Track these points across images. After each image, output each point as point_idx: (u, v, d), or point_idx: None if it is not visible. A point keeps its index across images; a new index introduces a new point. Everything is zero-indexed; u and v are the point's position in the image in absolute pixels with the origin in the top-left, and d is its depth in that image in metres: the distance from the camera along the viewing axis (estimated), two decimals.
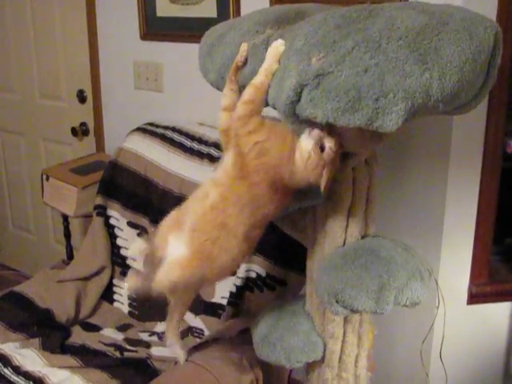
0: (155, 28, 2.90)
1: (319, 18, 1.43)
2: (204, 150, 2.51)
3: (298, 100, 1.34)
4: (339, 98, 1.28)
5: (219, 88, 1.67)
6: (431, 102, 1.32)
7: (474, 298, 2.37)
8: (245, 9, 2.55)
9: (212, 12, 2.65)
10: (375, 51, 1.30)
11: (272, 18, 1.57)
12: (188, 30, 2.75)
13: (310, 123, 1.41)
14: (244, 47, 1.56)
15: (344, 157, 1.60)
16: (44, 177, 2.95)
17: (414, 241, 2.09)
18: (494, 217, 2.30)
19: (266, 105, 1.50)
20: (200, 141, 2.56)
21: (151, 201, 2.62)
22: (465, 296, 2.36)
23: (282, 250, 2.22)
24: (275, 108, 1.43)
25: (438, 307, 2.04)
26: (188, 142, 2.58)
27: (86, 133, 3.41)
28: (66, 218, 3.06)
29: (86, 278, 2.66)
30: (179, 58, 2.85)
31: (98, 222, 2.71)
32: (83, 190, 2.79)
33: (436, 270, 2.26)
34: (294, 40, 1.39)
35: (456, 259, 2.30)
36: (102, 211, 2.72)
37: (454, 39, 1.35)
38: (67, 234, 3.13)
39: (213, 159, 2.45)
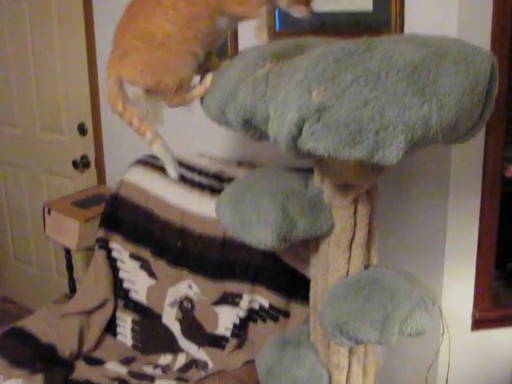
0: None
1: (318, 51, 1.44)
2: (204, 182, 2.52)
3: (300, 134, 1.35)
4: (340, 131, 1.29)
5: (220, 123, 1.69)
6: (431, 134, 1.33)
7: (478, 324, 2.37)
8: (242, 44, 2.57)
9: None
10: (374, 84, 1.32)
11: (271, 52, 1.59)
12: None
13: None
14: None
15: (345, 188, 1.62)
16: (46, 210, 2.96)
17: (417, 268, 2.10)
18: (495, 242, 2.31)
19: None
20: (200, 172, 2.57)
21: (153, 233, 2.62)
22: (469, 322, 2.36)
23: (284, 281, 2.22)
24: (276, 142, 1.44)
25: (442, 334, 2.04)
26: (188, 174, 2.59)
27: (87, 165, 3.42)
28: (68, 251, 3.06)
29: (89, 312, 2.65)
30: None
31: (100, 255, 2.71)
32: (85, 224, 2.79)
33: (439, 296, 2.27)
34: (294, 74, 1.41)
35: (459, 285, 2.30)
36: (103, 244, 2.72)
37: (452, 71, 1.37)
38: (69, 267, 3.13)
39: (214, 191, 2.46)
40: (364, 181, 1.59)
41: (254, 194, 1.71)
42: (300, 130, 1.34)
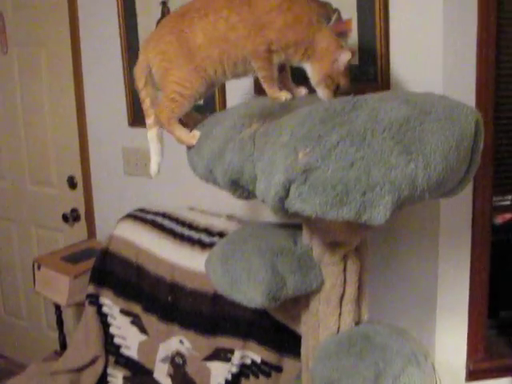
0: (143, 115, 2.92)
1: (304, 111, 1.46)
2: (195, 236, 2.50)
3: (287, 195, 1.35)
4: (327, 192, 1.29)
5: (208, 181, 1.70)
6: (418, 193, 1.34)
7: (473, 374, 2.35)
8: (230, 99, 2.60)
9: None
10: (360, 144, 1.32)
11: (257, 112, 1.60)
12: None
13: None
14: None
15: (334, 246, 1.61)
16: (35, 266, 2.94)
17: (408, 322, 2.09)
18: (487, 292, 2.30)
19: None
20: (190, 226, 2.56)
21: (143, 288, 2.60)
22: (463, 374, 2.33)
23: (276, 336, 2.20)
24: (264, 202, 1.44)
25: None
26: (178, 228, 2.59)
27: (77, 219, 3.41)
28: (58, 306, 3.04)
29: (80, 369, 2.61)
30: (167, 144, 2.86)
31: (90, 311, 2.68)
32: (75, 279, 2.77)
33: (432, 348, 2.25)
34: (281, 134, 1.42)
35: (452, 337, 2.28)
36: (94, 300, 2.70)
37: (437, 128, 1.38)
38: (60, 323, 3.10)
39: (204, 245, 2.44)
40: (353, 238, 1.59)
41: (244, 252, 1.70)
42: (287, 191, 1.34)
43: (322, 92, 1.67)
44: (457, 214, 2.20)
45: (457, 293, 2.25)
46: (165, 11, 2.74)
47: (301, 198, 1.33)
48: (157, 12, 2.76)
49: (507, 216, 2.53)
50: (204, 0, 1.75)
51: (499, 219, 2.51)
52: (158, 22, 2.76)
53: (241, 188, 1.58)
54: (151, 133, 1.85)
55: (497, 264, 2.34)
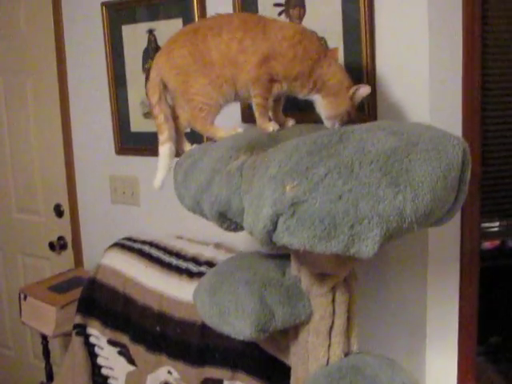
0: (130, 143, 2.94)
1: (291, 144, 1.45)
2: (182, 266, 2.49)
3: (275, 229, 1.34)
4: (315, 226, 1.28)
5: (195, 212, 1.68)
6: (406, 225, 1.33)
7: None
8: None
9: None
10: (348, 177, 1.32)
11: (245, 143, 1.59)
12: None
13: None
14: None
15: (323, 277, 1.60)
16: (22, 296, 2.91)
17: (398, 351, 2.08)
18: (476, 320, 2.29)
19: None
20: (178, 255, 2.55)
21: (131, 318, 2.57)
22: None
23: (265, 366, 2.17)
24: (252, 235, 1.43)
25: None
26: (166, 258, 2.57)
27: (63, 247, 3.39)
28: (44, 336, 3.00)
29: None
30: (154, 172, 2.83)
31: (77, 341, 2.65)
32: (62, 309, 2.74)
33: (422, 377, 2.24)
34: (268, 167, 1.41)
35: (441, 364, 2.27)
36: (81, 330, 2.67)
37: (425, 159, 1.38)
38: (46, 353, 3.07)
39: (191, 274, 2.43)
40: (341, 270, 1.59)
41: (231, 284, 1.69)
42: (275, 224, 1.33)
43: (333, 125, 1.72)
44: (445, 241, 2.20)
45: (446, 320, 2.24)
46: (151, 39, 2.75)
47: (289, 231, 1.32)
48: (143, 40, 2.77)
49: (495, 242, 2.53)
50: (217, 19, 1.79)
51: (487, 245, 2.51)
52: (145, 50, 2.77)
53: (228, 220, 1.57)
54: (164, 148, 1.84)
55: (486, 290, 2.33)
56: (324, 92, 1.72)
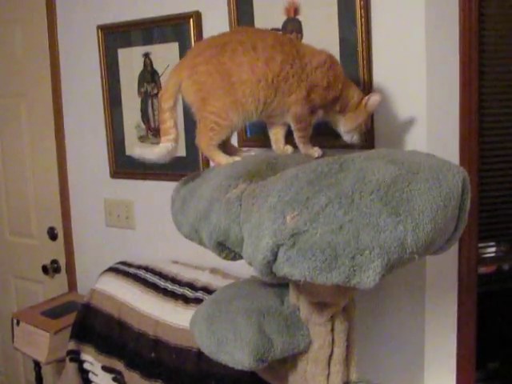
0: (125, 166, 2.92)
1: (291, 173, 1.44)
2: (178, 291, 2.47)
3: (275, 259, 1.32)
4: (316, 257, 1.27)
5: (193, 240, 1.67)
6: (407, 255, 1.32)
7: None
8: None
9: (181, 151, 2.68)
10: (348, 207, 1.31)
11: (244, 172, 1.58)
12: (157, 168, 2.76)
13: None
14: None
15: (322, 306, 1.59)
16: (14, 321, 2.88)
17: (396, 379, 2.07)
18: (474, 347, 2.28)
19: None
20: (174, 281, 2.53)
21: (126, 344, 2.54)
22: None
23: None
24: (251, 265, 1.42)
25: None
26: (161, 283, 2.55)
27: (57, 270, 3.36)
28: (37, 362, 2.96)
29: None
30: (150, 196, 2.86)
31: (71, 368, 2.62)
32: (55, 335, 2.71)
33: None
34: (268, 197, 1.40)
35: None
36: (75, 356, 2.64)
37: (425, 188, 1.37)
38: (39, 380, 3.03)
39: (187, 300, 2.41)
40: (341, 299, 1.57)
41: (229, 313, 1.67)
42: (275, 255, 1.32)
43: (353, 138, 1.78)
44: (443, 266, 2.19)
45: (444, 346, 2.23)
46: (147, 63, 2.75)
47: (289, 262, 1.30)
48: (139, 64, 2.77)
49: (493, 266, 2.52)
50: (248, 33, 1.76)
51: (485, 269, 2.50)
52: (141, 73, 2.77)
53: (227, 249, 1.56)
54: (164, 144, 1.74)
55: (484, 316, 2.32)
56: (345, 111, 1.77)
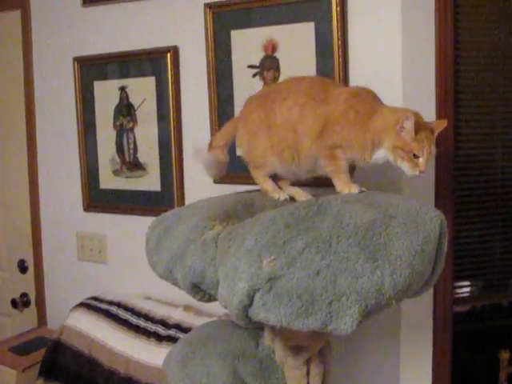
0: (99, 200, 2.89)
1: (269, 216, 1.43)
2: (151, 328, 2.43)
3: (251, 304, 1.30)
4: (292, 302, 1.25)
5: (168, 281, 1.64)
6: (384, 300, 1.30)
7: None
8: (188, 184, 2.58)
9: (156, 185, 2.67)
10: (326, 251, 1.29)
11: (220, 212, 1.57)
12: (132, 203, 2.76)
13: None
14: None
15: (297, 349, 1.57)
16: None
17: None
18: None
19: None
20: (146, 317, 2.49)
21: (96, 382, 2.48)
22: None
23: None
24: (226, 309, 1.40)
25: None
26: (134, 320, 2.51)
27: (27, 304, 3.29)
28: None
29: None
30: (123, 230, 2.83)
31: None
32: (23, 373, 2.63)
33: None
34: (244, 240, 1.38)
35: None
36: None
37: (402, 233, 1.37)
38: None
39: (160, 338, 2.37)
40: (316, 343, 1.55)
41: (204, 355, 1.64)
42: (251, 299, 1.30)
43: (403, 167, 1.59)
44: (418, 306, 2.18)
45: None
46: (123, 96, 2.73)
47: (265, 307, 1.28)
48: (115, 97, 2.75)
49: (468, 306, 2.52)
50: (288, 82, 1.83)
51: (460, 308, 2.49)
52: (117, 106, 2.75)
53: (202, 291, 1.53)
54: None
55: (458, 354, 2.32)
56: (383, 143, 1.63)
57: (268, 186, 1.80)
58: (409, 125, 1.55)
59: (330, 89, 1.72)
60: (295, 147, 1.70)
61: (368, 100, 1.68)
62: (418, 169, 1.56)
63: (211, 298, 1.54)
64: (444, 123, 1.63)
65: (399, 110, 1.63)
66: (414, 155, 1.56)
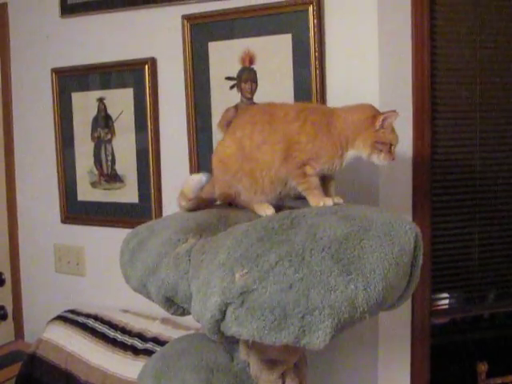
0: (76, 212, 2.87)
1: (242, 229, 1.42)
2: (128, 341, 2.41)
3: (223, 318, 1.29)
4: (264, 316, 1.24)
5: (141, 294, 1.62)
6: (358, 314, 1.29)
7: None
8: (166, 196, 2.57)
9: (133, 197, 2.66)
10: (299, 265, 1.28)
11: (194, 226, 1.55)
12: (110, 215, 2.74)
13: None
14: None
15: (272, 363, 1.55)
16: None
17: None
18: None
19: None
20: (123, 331, 2.47)
21: None
22: None
23: None
24: (199, 323, 1.38)
25: None
26: (111, 333, 2.49)
27: (3, 317, 3.25)
28: None
29: None
30: (101, 242, 2.80)
31: None
32: None
33: None
34: (217, 253, 1.37)
35: None
36: None
37: (377, 246, 1.36)
38: None
39: (137, 351, 2.35)
40: (291, 357, 1.54)
41: (178, 370, 1.63)
42: (223, 313, 1.29)
43: (378, 159, 1.63)
44: (395, 318, 2.18)
45: None
46: (101, 108, 2.72)
47: (237, 321, 1.27)
48: (93, 108, 2.74)
49: (446, 318, 2.52)
50: (250, 113, 1.77)
51: (438, 320, 2.49)
52: (95, 118, 2.74)
53: (175, 305, 1.52)
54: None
55: (437, 366, 2.31)
56: (353, 143, 1.64)
57: (258, 207, 1.71)
58: (393, 119, 1.61)
59: (272, 111, 1.70)
60: (260, 176, 1.67)
61: (317, 108, 1.74)
62: (392, 157, 1.64)
63: (185, 312, 1.53)
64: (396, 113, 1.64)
65: (359, 107, 1.68)
66: (391, 145, 1.62)
